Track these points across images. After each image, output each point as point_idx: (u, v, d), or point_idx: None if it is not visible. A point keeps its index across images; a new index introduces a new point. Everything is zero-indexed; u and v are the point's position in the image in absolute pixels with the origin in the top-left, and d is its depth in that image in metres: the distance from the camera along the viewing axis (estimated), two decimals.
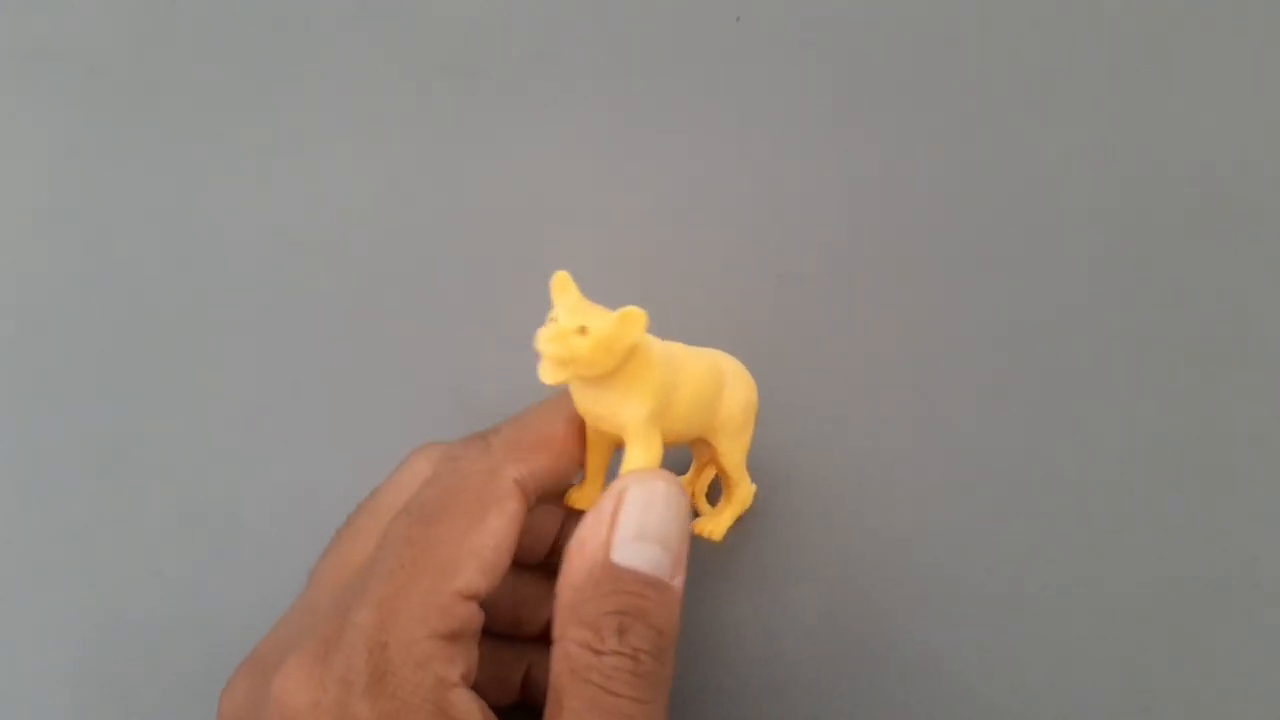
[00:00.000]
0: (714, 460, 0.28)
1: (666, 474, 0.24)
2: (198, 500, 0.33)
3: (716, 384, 0.27)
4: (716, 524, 0.30)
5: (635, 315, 0.23)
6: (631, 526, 0.23)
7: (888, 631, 0.31)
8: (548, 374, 0.23)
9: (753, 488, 0.30)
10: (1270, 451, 0.33)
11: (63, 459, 0.34)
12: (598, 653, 0.22)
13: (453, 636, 0.22)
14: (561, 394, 0.25)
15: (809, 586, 0.31)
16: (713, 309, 0.34)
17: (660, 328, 0.34)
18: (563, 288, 0.24)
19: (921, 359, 0.34)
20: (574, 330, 0.23)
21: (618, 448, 0.26)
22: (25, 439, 0.34)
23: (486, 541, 0.23)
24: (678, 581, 0.23)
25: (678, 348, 0.26)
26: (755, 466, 0.30)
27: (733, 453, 0.28)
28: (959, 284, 0.35)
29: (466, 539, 0.23)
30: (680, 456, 0.32)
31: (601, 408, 0.24)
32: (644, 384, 0.24)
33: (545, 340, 0.23)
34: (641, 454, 0.24)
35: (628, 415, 0.24)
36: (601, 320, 0.23)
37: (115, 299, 0.35)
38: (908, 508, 0.32)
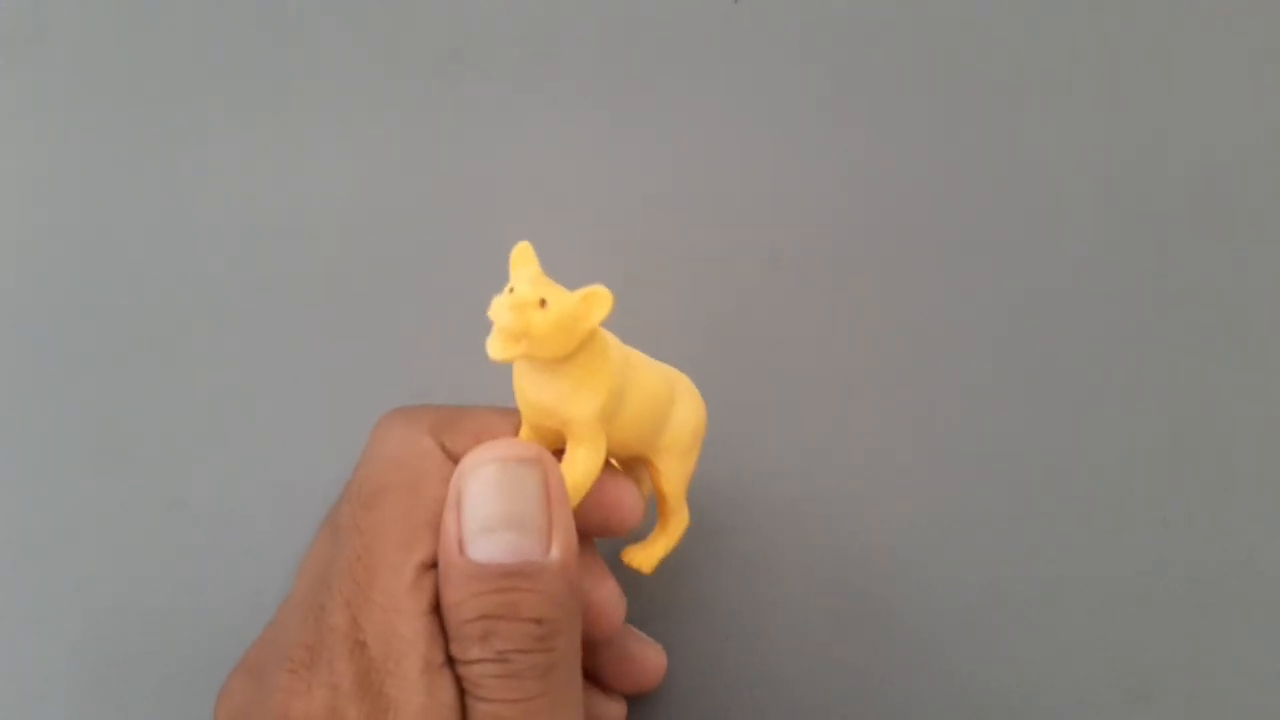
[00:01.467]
0: (654, 482, 0.26)
1: (502, 445, 0.22)
2: (191, 491, 0.33)
3: (668, 398, 0.25)
4: (649, 554, 0.27)
5: (600, 295, 0.21)
6: (478, 519, 0.21)
7: (885, 623, 0.31)
8: (498, 348, 0.21)
9: (688, 519, 0.27)
10: (1268, 443, 0.33)
11: (55, 449, 0.33)
12: (464, 663, 0.21)
13: (431, 612, 0.21)
14: (504, 408, 0.24)
15: (805, 576, 0.31)
16: (706, 294, 0.34)
17: (653, 313, 0.34)
18: (523, 259, 0.22)
19: (917, 347, 0.34)
20: (534, 302, 0.21)
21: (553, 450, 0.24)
22: (17, 428, 0.34)
23: (433, 509, 0.22)
24: (555, 554, 0.21)
25: (636, 355, 0.24)
26: (747, 453, 0.30)
27: (676, 477, 0.25)
28: (956, 271, 0.34)
29: (412, 513, 0.22)
30: None
31: (548, 397, 0.22)
32: (598, 376, 0.22)
33: (501, 309, 0.21)
34: (585, 456, 0.22)
35: (576, 410, 0.22)
36: (564, 296, 0.21)
37: (107, 288, 0.35)
38: (904, 496, 0.32)
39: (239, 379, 0.34)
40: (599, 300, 0.21)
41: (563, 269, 0.34)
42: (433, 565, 0.22)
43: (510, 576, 0.21)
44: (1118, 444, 0.33)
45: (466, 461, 0.22)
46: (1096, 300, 0.34)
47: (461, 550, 0.21)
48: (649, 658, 0.29)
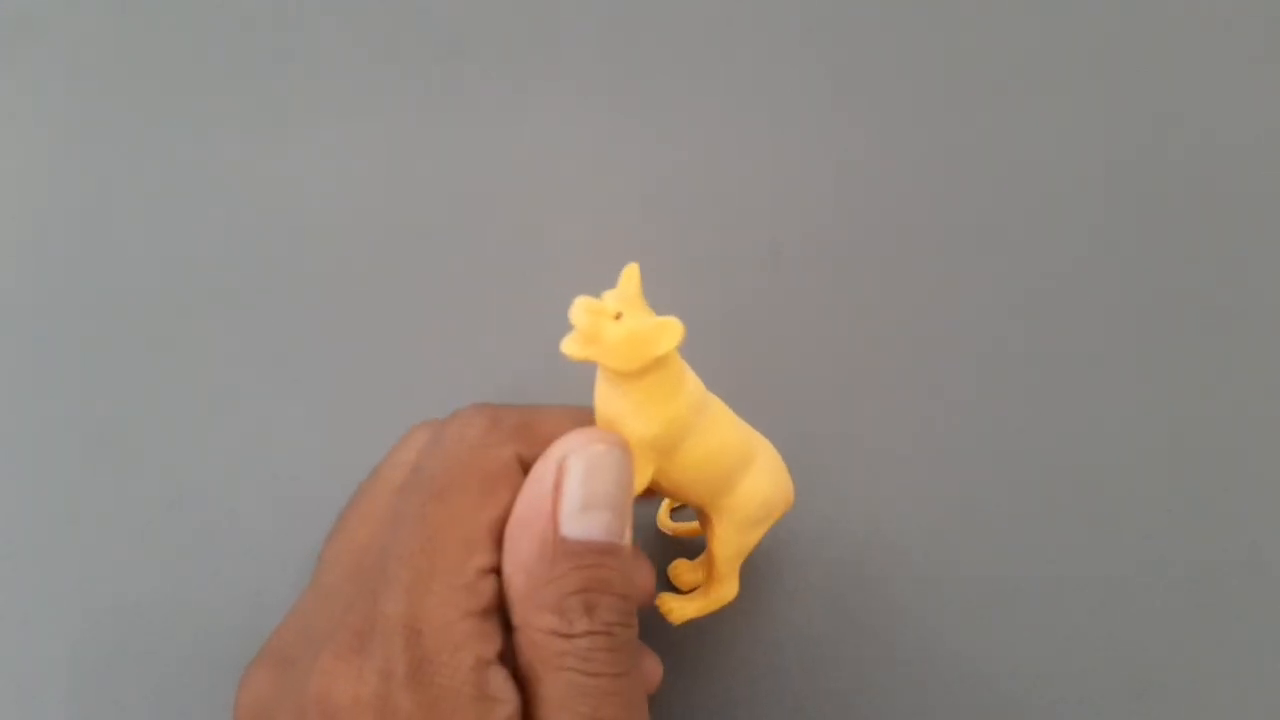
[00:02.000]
0: (707, 541, 0.27)
1: (605, 434, 0.23)
2: (190, 490, 0.33)
3: (741, 459, 0.25)
4: (681, 608, 0.28)
5: (672, 325, 0.22)
6: (578, 496, 0.22)
7: (885, 618, 0.31)
8: (571, 345, 0.22)
9: (735, 591, 0.28)
10: (1270, 438, 0.33)
11: (54, 448, 0.33)
12: (568, 636, 0.21)
13: (484, 613, 0.21)
14: (576, 407, 0.25)
15: (806, 572, 0.31)
16: (706, 291, 0.34)
17: (655, 306, 0.33)
18: (628, 278, 0.23)
19: (918, 342, 0.34)
20: (610, 312, 0.22)
21: None
22: (16, 427, 0.33)
23: (499, 515, 0.22)
24: (627, 538, 0.23)
25: (721, 408, 0.25)
26: None
27: (729, 543, 0.26)
28: (956, 266, 0.35)
29: (480, 514, 0.22)
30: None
31: (612, 411, 0.23)
32: (661, 406, 0.23)
33: (579, 310, 0.22)
34: None
35: (631, 429, 0.23)
36: (641, 315, 0.22)
37: (106, 281, 0.35)
38: (906, 490, 0.32)
39: (238, 378, 0.33)
40: (670, 329, 0.22)
41: (563, 265, 0.35)
42: (491, 571, 0.22)
43: (603, 554, 0.22)
44: (1119, 439, 0.33)
45: (569, 443, 0.23)
46: (1097, 296, 0.34)
47: (557, 528, 0.22)
48: (645, 667, 0.28)
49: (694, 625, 0.30)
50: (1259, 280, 0.34)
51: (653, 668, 0.28)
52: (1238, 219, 0.35)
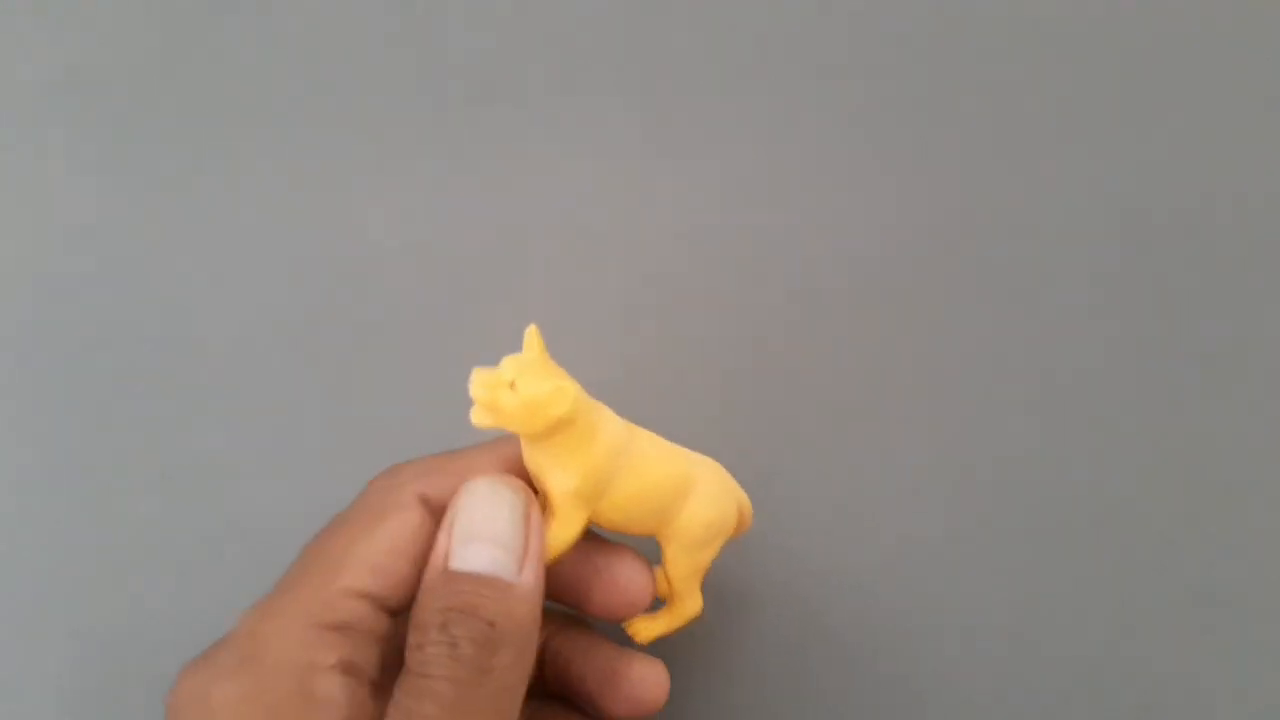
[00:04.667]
0: (664, 563, 0.27)
1: (496, 475, 0.24)
2: (184, 506, 0.33)
3: (675, 490, 0.26)
4: (648, 627, 0.28)
5: (563, 390, 0.23)
6: (462, 531, 0.23)
7: (886, 636, 0.31)
8: (475, 415, 0.23)
9: (699, 606, 0.28)
10: (1271, 462, 0.33)
11: (52, 463, 0.33)
12: (419, 647, 0.22)
13: (337, 627, 0.22)
14: (500, 441, 0.26)
15: (811, 602, 0.32)
16: (723, 327, 0.34)
17: (671, 344, 0.33)
18: (529, 342, 0.24)
19: (929, 375, 0.33)
20: (504, 382, 0.23)
21: None
22: (10, 427, 0.34)
23: (378, 546, 0.23)
24: (525, 577, 0.23)
25: (648, 443, 0.26)
26: (761, 484, 0.29)
27: (680, 564, 0.27)
28: (967, 302, 0.34)
29: (356, 545, 0.23)
30: None
31: (534, 466, 0.25)
32: (577, 459, 0.24)
33: (474, 383, 0.23)
34: (556, 528, 0.25)
35: (553, 484, 0.24)
36: (534, 383, 0.23)
37: (109, 308, 0.35)
38: (914, 518, 0.32)
39: (239, 402, 0.34)
40: (560, 395, 0.23)
41: (592, 304, 0.34)
42: (359, 594, 0.23)
43: (479, 583, 0.23)
44: (1124, 465, 0.33)
45: (464, 484, 0.24)
46: (1103, 327, 0.34)
47: (446, 562, 0.23)
48: (648, 676, 0.27)
49: (690, 659, 0.31)
50: (1258, 313, 0.34)
51: (655, 677, 0.27)
52: (1238, 261, 0.34)
